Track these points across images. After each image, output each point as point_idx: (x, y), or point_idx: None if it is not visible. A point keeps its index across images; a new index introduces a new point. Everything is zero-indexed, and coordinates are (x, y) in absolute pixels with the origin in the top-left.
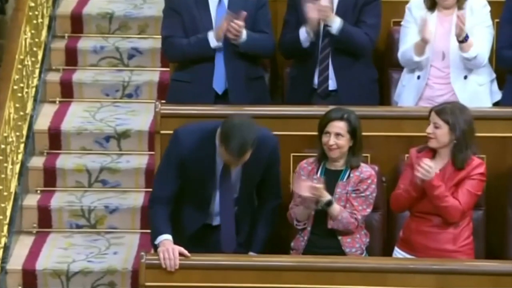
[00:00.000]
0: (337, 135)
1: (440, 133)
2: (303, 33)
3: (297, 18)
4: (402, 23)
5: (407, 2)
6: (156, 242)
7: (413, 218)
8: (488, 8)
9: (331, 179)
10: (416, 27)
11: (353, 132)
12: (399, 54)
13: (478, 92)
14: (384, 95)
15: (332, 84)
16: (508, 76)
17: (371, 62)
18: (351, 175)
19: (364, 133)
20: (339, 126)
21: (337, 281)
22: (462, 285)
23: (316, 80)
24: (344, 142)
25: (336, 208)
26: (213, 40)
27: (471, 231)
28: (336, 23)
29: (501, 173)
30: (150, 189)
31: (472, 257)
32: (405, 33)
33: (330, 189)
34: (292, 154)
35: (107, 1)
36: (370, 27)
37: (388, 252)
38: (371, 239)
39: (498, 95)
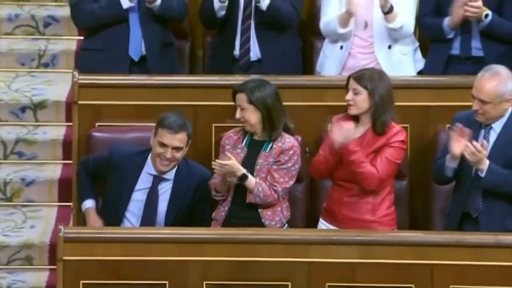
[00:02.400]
0: (241, 108)
1: (359, 99)
2: (217, 2)
3: None
4: None
5: None
6: (82, 209)
7: (335, 187)
8: None
9: (255, 150)
10: (338, 1)
11: (258, 103)
12: (321, 25)
13: (402, 61)
14: (307, 65)
15: (254, 55)
16: (431, 44)
17: (296, 32)
18: (274, 146)
19: (287, 103)
20: (239, 98)
21: (259, 254)
22: (385, 256)
23: (237, 51)
24: (249, 114)
25: (251, 181)
26: (124, 0)
27: (392, 201)
28: (264, 0)
29: (425, 142)
30: (68, 161)
31: (394, 228)
32: (326, 3)
33: (254, 159)
34: (213, 125)
35: None
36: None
37: (311, 224)
38: (295, 210)
39: (421, 64)
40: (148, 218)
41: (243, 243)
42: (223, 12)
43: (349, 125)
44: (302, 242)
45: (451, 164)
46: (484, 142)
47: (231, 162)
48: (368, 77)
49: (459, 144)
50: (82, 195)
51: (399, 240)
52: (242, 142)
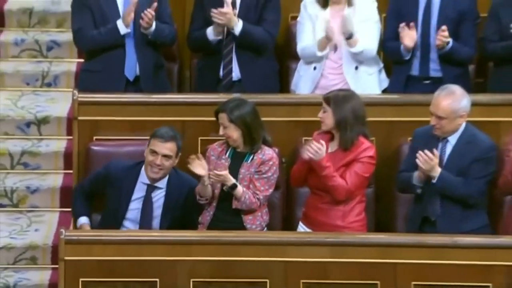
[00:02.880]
0: (223, 126)
1: (325, 116)
2: (211, 34)
3: (204, 16)
4: (298, 19)
5: None
6: (77, 225)
7: (311, 194)
8: (376, 4)
9: (238, 161)
10: (311, 23)
11: (237, 122)
12: (299, 50)
13: (368, 81)
14: (283, 84)
15: (235, 76)
16: (394, 66)
17: (273, 54)
18: (255, 157)
19: (266, 118)
20: (221, 117)
21: (242, 254)
22: (354, 256)
23: (221, 72)
24: (231, 131)
25: (239, 190)
26: (122, 27)
27: (363, 209)
28: (238, 26)
29: (389, 154)
30: (69, 171)
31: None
32: (301, 29)
33: (237, 169)
34: (199, 138)
35: None
36: (271, 23)
37: (288, 227)
38: (273, 215)
39: (385, 83)
40: (144, 224)
41: (227, 244)
42: (216, 42)
43: (320, 144)
44: (280, 243)
45: (418, 184)
46: (435, 151)
47: (224, 173)
48: (333, 98)
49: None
50: (77, 214)
51: (366, 242)
52: (226, 154)
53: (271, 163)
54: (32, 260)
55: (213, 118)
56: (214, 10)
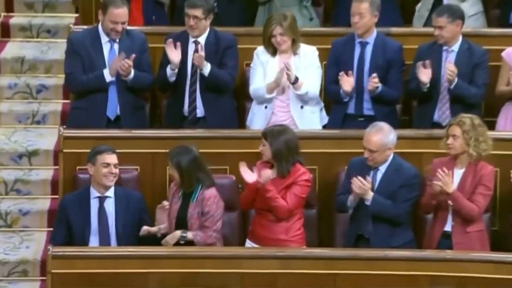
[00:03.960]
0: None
1: (264, 149)
2: (169, 70)
3: (169, 61)
4: (251, 65)
5: (255, 48)
6: None
7: (257, 214)
8: (317, 52)
9: (187, 200)
10: (262, 69)
11: (174, 166)
12: (251, 91)
13: (311, 118)
14: (240, 120)
15: (200, 113)
16: (333, 105)
17: (232, 95)
18: (198, 197)
19: (225, 150)
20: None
21: (204, 266)
22: (300, 267)
23: (186, 110)
24: (172, 173)
25: (190, 237)
26: (108, 76)
27: (302, 224)
28: (207, 68)
29: (329, 180)
30: (55, 196)
31: (304, 245)
32: (254, 73)
33: (186, 208)
34: (168, 167)
35: (19, 48)
36: (232, 68)
37: (243, 243)
38: (230, 233)
39: (326, 120)
40: (103, 230)
41: (192, 259)
42: (174, 78)
43: (267, 171)
44: (236, 257)
45: (351, 205)
46: (368, 178)
47: (176, 233)
48: (269, 133)
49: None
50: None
51: (310, 255)
52: (179, 193)
53: (210, 201)
54: (23, 273)
55: None
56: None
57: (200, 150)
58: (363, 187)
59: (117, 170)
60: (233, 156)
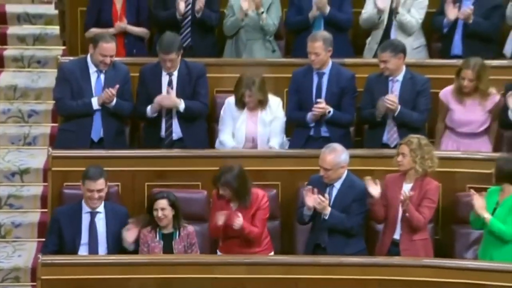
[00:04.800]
0: (162, 209)
1: (225, 194)
2: (149, 112)
3: (146, 92)
4: (221, 113)
5: (223, 77)
6: None
7: (223, 242)
8: (281, 104)
9: (168, 240)
10: (232, 121)
11: (173, 205)
12: (219, 141)
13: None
14: (210, 141)
15: (176, 135)
16: (295, 129)
17: (205, 119)
18: (180, 233)
19: (199, 168)
20: (162, 202)
21: (180, 272)
22: (265, 273)
23: (163, 133)
24: (168, 212)
25: None
26: (95, 104)
27: (269, 237)
28: (181, 105)
29: (291, 194)
30: (45, 210)
31: (272, 251)
32: (223, 122)
33: (170, 247)
34: (146, 183)
35: (12, 77)
36: (204, 96)
37: (214, 251)
38: (202, 243)
39: (287, 146)
40: (92, 240)
41: (168, 265)
42: (155, 115)
43: (239, 219)
44: (208, 264)
45: (307, 213)
46: (326, 195)
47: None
48: (221, 177)
49: (311, 199)
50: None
51: (274, 262)
52: (156, 237)
53: (192, 235)
54: (16, 279)
55: (157, 168)
56: (158, 98)
57: (175, 168)
58: (322, 203)
59: (101, 194)
60: (205, 173)
